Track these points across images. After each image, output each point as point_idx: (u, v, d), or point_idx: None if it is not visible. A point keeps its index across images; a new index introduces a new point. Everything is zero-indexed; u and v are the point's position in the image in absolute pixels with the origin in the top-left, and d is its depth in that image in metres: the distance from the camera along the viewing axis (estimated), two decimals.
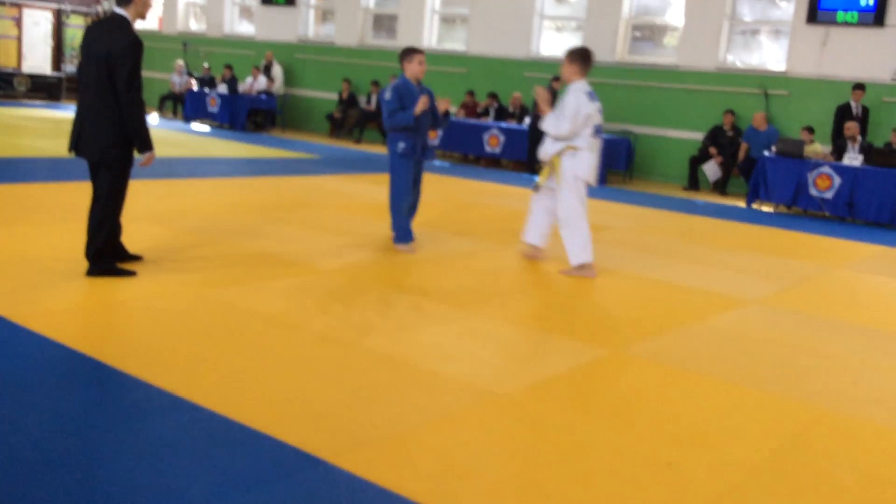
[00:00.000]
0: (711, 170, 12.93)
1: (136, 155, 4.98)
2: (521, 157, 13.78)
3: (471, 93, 15.31)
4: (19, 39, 20.93)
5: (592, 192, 11.80)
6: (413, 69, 6.45)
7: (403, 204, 6.54)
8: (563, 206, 6.27)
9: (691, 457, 3.24)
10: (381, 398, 3.53)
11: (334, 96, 17.47)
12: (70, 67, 21.33)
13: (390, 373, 3.84)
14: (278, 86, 17.74)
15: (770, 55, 13.29)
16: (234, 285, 5.05)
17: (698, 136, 13.37)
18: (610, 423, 3.52)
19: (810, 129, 11.92)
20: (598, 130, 6.30)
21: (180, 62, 18.67)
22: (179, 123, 17.03)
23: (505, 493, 2.81)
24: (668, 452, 3.26)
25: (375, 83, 16.19)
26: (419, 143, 6.48)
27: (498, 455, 3.10)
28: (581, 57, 6.22)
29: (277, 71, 17.77)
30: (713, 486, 3.00)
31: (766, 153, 11.70)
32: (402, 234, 6.59)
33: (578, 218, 6.23)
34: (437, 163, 14.16)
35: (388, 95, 6.38)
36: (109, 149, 4.83)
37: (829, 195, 11.02)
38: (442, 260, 6.41)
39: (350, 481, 2.78)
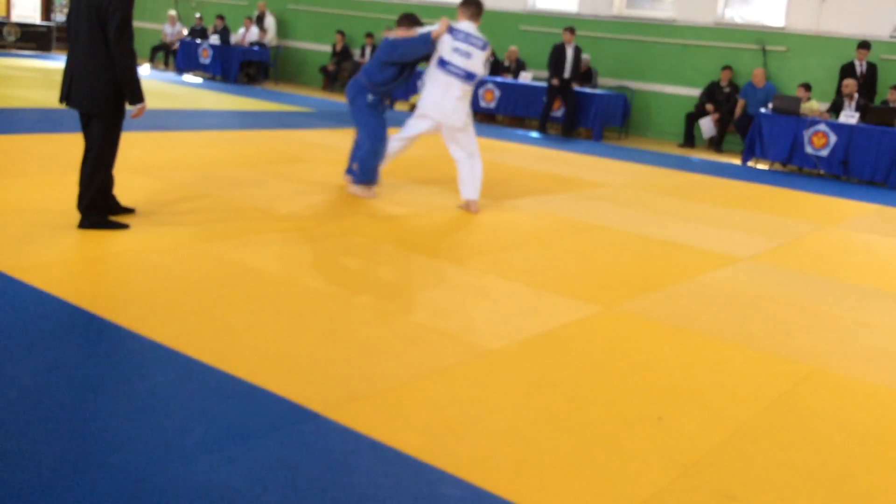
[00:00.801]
0: (707, 126, 12.88)
1: (127, 107, 4.93)
2: (517, 112, 13.69)
3: None
4: None
5: (588, 148, 11.80)
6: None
7: (382, 146, 6.59)
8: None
9: (682, 412, 3.27)
10: (374, 352, 3.54)
11: (328, 48, 17.28)
12: (60, 17, 21.02)
13: (383, 327, 3.85)
14: (271, 37, 17.52)
15: (769, 11, 13.15)
16: (227, 239, 5.04)
17: (695, 92, 13.29)
18: (601, 378, 3.54)
19: (807, 87, 11.85)
20: (466, 75, 6.32)
21: (172, 12, 18.40)
22: (171, 75, 16.84)
23: (497, 446, 2.83)
24: (659, 407, 3.29)
25: (370, 35, 15.99)
26: (385, 96, 6.62)
27: (490, 409, 3.12)
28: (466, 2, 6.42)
29: (270, 22, 17.53)
30: (703, 441, 3.03)
31: (762, 110, 11.64)
32: (371, 175, 6.60)
33: (386, 140, 6.58)
34: None
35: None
36: (100, 100, 4.77)
37: (824, 153, 10.99)
38: (435, 216, 6.39)
39: (343, 434, 2.79)
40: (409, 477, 2.57)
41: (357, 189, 6.67)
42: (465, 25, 6.37)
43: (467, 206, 6.58)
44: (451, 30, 6.30)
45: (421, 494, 2.48)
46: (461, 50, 6.28)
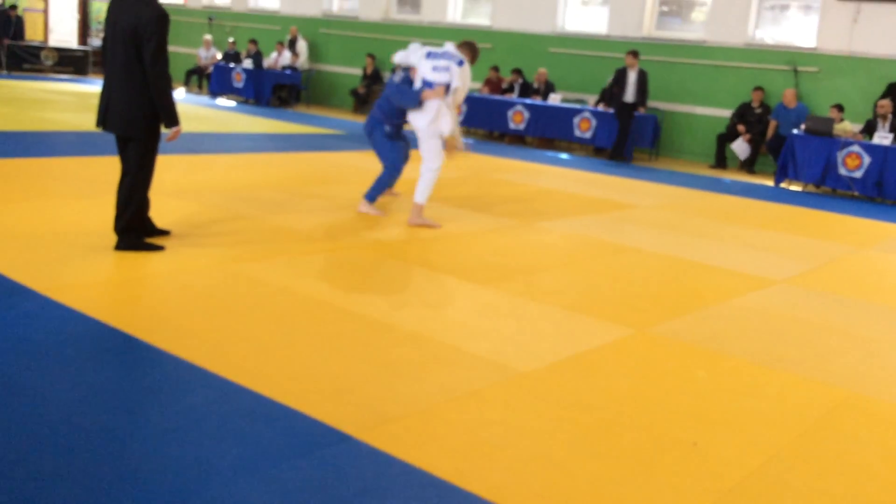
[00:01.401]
0: (740, 148, 12.79)
1: (163, 129, 5.00)
2: (546, 134, 13.71)
3: (495, 68, 15.21)
4: (46, 13, 21.05)
5: (619, 170, 11.77)
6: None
7: (398, 173, 6.94)
8: None
9: (717, 437, 3.24)
10: (406, 374, 3.55)
11: (358, 71, 17.43)
12: (96, 41, 21.43)
13: (414, 349, 3.86)
14: (303, 61, 17.72)
15: (800, 31, 13.07)
16: (259, 260, 5.08)
17: (726, 113, 13.22)
18: (634, 402, 3.51)
19: (840, 107, 11.74)
20: (447, 88, 6.59)
21: (208, 37, 18.69)
22: (205, 98, 17.07)
23: (529, 470, 2.82)
24: (694, 432, 3.26)
25: None
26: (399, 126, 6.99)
27: (522, 433, 3.11)
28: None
29: (302, 46, 17.74)
30: (739, 467, 2.99)
31: (794, 131, 11.54)
32: (378, 194, 6.95)
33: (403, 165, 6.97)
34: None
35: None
36: (137, 123, 4.85)
37: (858, 174, 10.87)
38: (466, 237, 6.40)
39: (375, 456, 2.80)
40: (442, 501, 2.57)
41: (366, 207, 6.91)
42: (447, 46, 6.72)
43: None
44: (428, 54, 6.63)
45: None
46: (440, 67, 6.55)
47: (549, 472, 2.82)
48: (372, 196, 6.93)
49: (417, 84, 6.62)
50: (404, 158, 6.95)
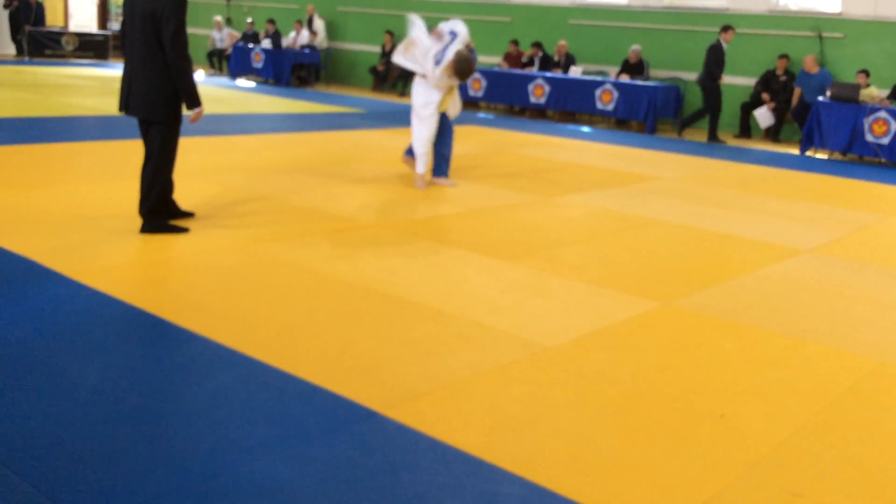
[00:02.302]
0: (764, 116, 12.63)
1: (185, 111, 5.02)
2: (567, 107, 13.60)
3: (515, 42, 15.09)
4: None
5: (640, 142, 11.67)
6: None
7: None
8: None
9: (744, 408, 3.22)
10: (431, 351, 3.56)
11: (377, 49, 17.37)
12: (116, 25, 21.49)
13: (439, 326, 3.87)
14: (321, 39, 17.68)
15: None
16: (283, 240, 5.11)
17: (750, 81, 13.04)
18: (660, 375, 3.51)
19: (866, 73, 11.53)
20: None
21: (218, 17, 18.66)
22: (224, 79, 17.10)
23: (556, 445, 2.82)
24: (721, 404, 3.25)
25: None
26: None
27: (549, 407, 3.11)
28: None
29: (320, 25, 17.69)
30: (767, 439, 2.98)
31: (820, 98, 11.37)
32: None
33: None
34: (481, 114, 14.05)
35: None
36: (158, 106, 4.87)
37: (885, 141, 10.70)
38: (488, 213, 6.39)
39: (403, 432, 2.82)
40: (469, 475, 2.58)
41: (443, 181, 7.34)
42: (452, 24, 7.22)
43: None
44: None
45: (481, 493, 2.49)
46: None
47: (576, 446, 2.82)
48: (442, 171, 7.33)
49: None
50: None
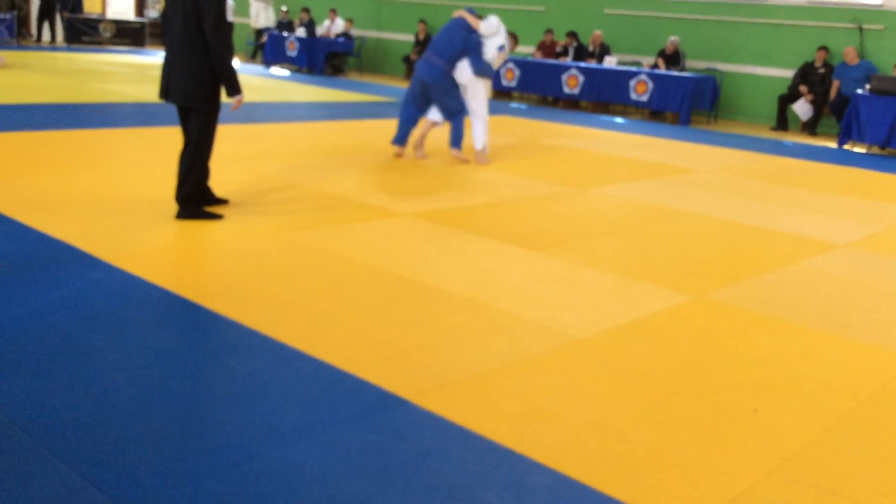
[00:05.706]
0: (802, 109, 12.45)
1: (225, 99, 5.06)
2: (601, 98, 13.51)
3: (549, 31, 15.01)
4: None
5: (676, 133, 11.57)
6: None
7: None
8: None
9: (777, 404, 3.20)
10: (462, 340, 3.57)
11: (410, 38, 17.36)
12: (153, 13, 21.69)
13: (470, 315, 3.87)
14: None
15: None
16: (315, 228, 5.14)
17: (788, 73, 12.87)
18: (693, 368, 3.48)
19: None
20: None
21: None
22: (259, 67, 17.21)
23: (586, 437, 2.82)
24: (754, 399, 3.22)
25: None
26: None
27: (579, 398, 3.11)
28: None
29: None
30: (800, 433, 2.96)
31: (859, 91, 11.19)
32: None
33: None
34: (514, 104, 14.00)
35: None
36: (198, 93, 4.91)
37: None
38: (520, 203, 6.38)
39: (433, 421, 2.83)
40: (498, 465, 2.59)
41: (457, 154, 7.92)
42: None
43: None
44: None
45: (510, 482, 2.49)
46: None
47: (606, 438, 2.82)
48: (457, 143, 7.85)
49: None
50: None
